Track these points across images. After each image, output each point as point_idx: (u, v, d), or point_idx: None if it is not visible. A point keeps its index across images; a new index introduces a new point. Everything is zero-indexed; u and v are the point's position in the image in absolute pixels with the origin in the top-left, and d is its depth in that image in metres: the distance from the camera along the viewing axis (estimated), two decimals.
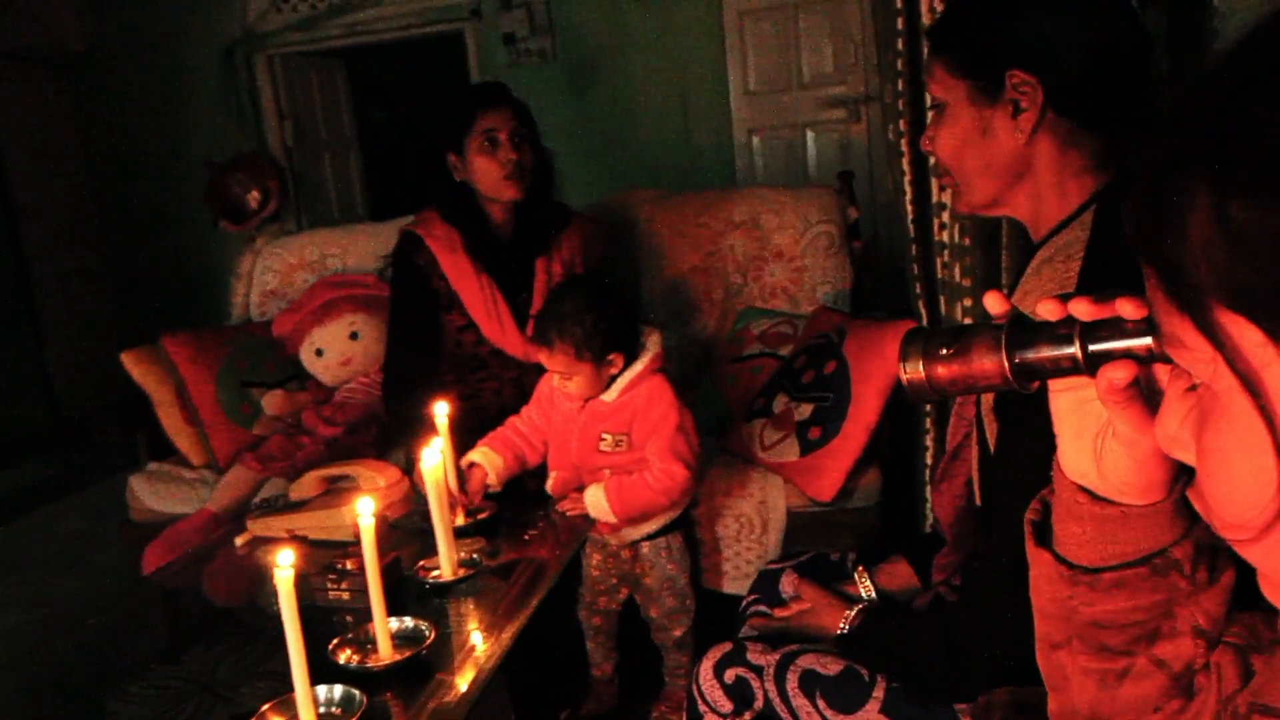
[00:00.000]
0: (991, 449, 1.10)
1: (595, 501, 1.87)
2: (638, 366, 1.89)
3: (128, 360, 2.78)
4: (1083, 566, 0.66)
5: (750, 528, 2.23)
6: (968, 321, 1.91)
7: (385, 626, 1.36)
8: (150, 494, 2.68)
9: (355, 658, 1.36)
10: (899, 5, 1.93)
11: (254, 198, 5.55)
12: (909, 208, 2.02)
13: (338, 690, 1.25)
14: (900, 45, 1.95)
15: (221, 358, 2.77)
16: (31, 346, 5.28)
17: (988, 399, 1.12)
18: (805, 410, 2.25)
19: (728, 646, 1.26)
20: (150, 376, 2.76)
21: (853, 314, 2.56)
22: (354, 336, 2.77)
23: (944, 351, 0.60)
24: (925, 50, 1.76)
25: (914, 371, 0.61)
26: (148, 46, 5.54)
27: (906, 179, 1.99)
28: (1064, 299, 0.57)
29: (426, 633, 1.39)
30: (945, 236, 1.96)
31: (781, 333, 2.58)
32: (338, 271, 3.01)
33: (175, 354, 2.73)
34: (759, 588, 1.55)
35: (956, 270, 1.95)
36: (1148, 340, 0.53)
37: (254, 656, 1.46)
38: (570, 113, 5.17)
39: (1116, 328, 0.54)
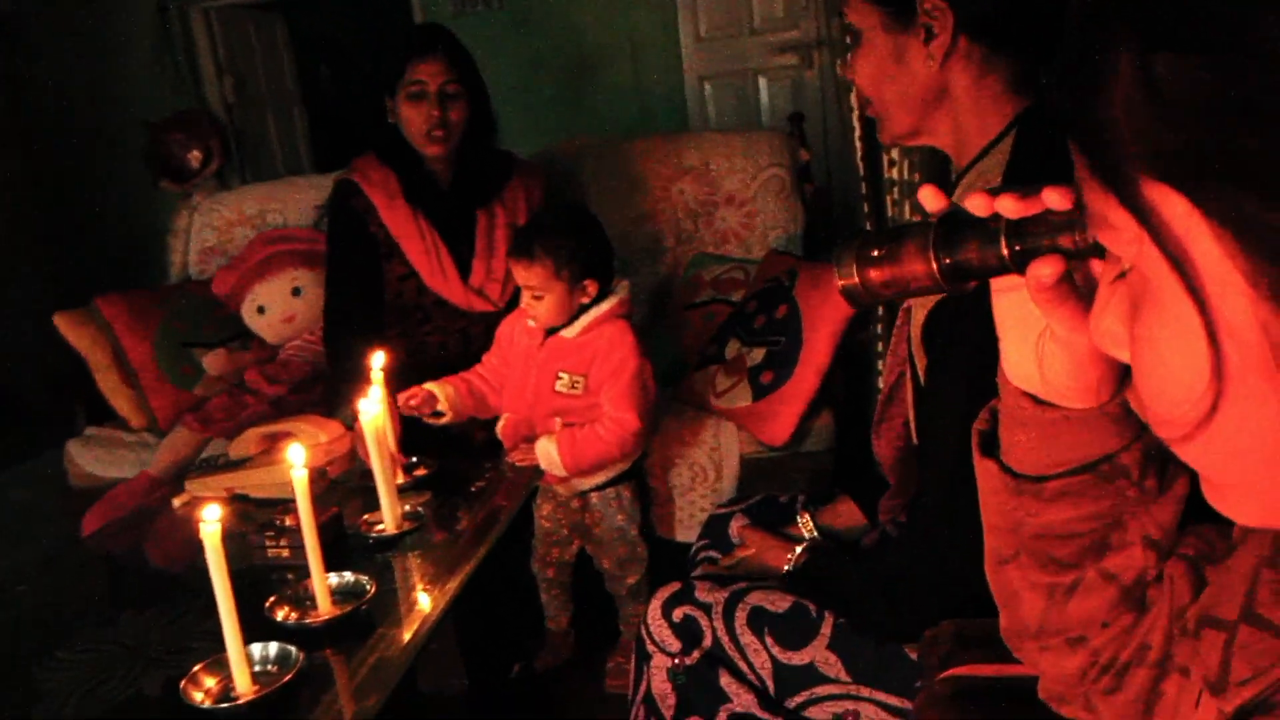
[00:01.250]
0: (922, 382, 1.08)
1: (545, 453, 1.83)
2: (604, 306, 1.87)
3: (61, 322, 2.69)
4: (1028, 476, 0.63)
5: (704, 475, 2.21)
6: None
7: (323, 581, 1.31)
8: (89, 459, 2.60)
9: (293, 615, 1.32)
10: None
11: (195, 157, 5.36)
12: (858, 144, 1.98)
13: (273, 648, 1.21)
14: None
15: (159, 318, 2.68)
16: None
17: (916, 333, 1.09)
18: (757, 355, 2.22)
19: (676, 586, 1.24)
20: (85, 339, 2.67)
21: (805, 257, 2.53)
22: (296, 293, 2.69)
23: (875, 254, 0.57)
24: None
25: (848, 276, 0.58)
26: (78, 2, 5.32)
27: (855, 115, 1.96)
28: (992, 193, 0.53)
29: (367, 587, 1.36)
30: (895, 174, 1.93)
31: (734, 278, 2.55)
32: (278, 226, 2.92)
33: (110, 315, 2.64)
34: (708, 533, 1.53)
35: (906, 208, 1.92)
36: (1074, 233, 0.50)
37: (190, 619, 1.41)
38: (518, 62, 5.06)
39: (1043, 222, 0.51)
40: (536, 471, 1.85)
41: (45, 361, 3.17)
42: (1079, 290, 0.54)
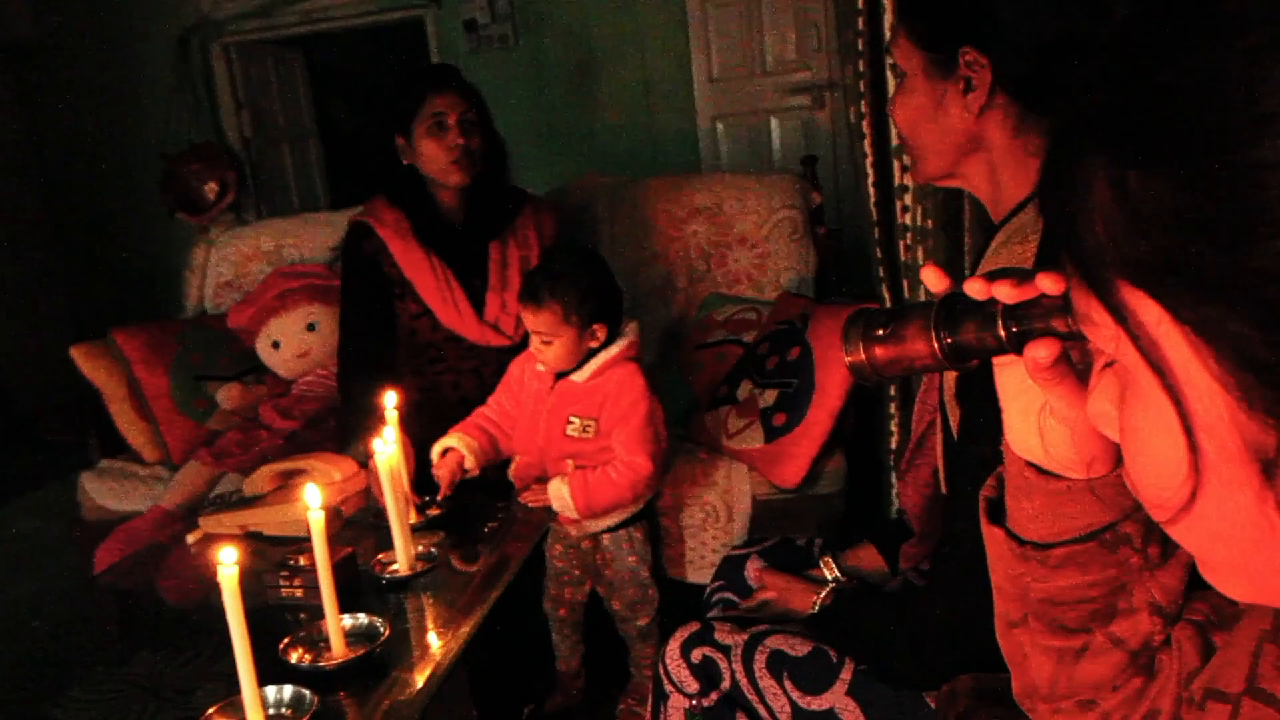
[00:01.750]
0: (955, 436, 1.09)
1: (558, 495, 1.84)
2: (613, 349, 1.87)
3: (77, 355, 2.71)
4: (1033, 542, 0.65)
5: (715, 516, 2.21)
6: None
7: (338, 623, 1.32)
8: (102, 492, 2.61)
9: (307, 657, 1.32)
10: None
11: (211, 189, 5.43)
12: (871, 190, 2.00)
13: (287, 691, 1.21)
14: (860, 25, 1.93)
15: (174, 351, 2.70)
16: None
17: (950, 385, 1.10)
18: (769, 397, 2.23)
19: (695, 626, 1.24)
20: (101, 371, 2.69)
21: (817, 299, 2.54)
22: (311, 328, 2.71)
23: (880, 333, 0.60)
24: (888, 27, 1.74)
25: (854, 354, 0.61)
26: (100, 35, 5.40)
27: (868, 161, 1.97)
28: (990, 278, 0.56)
29: (381, 629, 1.36)
30: (908, 219, 1.94)
31: (746, 319, 2.56)
32: (294, 262, 2.95)
33: (126, 348, 2.66)
34: (723, 573, 1.53)
35: (920, 253, 1.93)
36: (1068, 317, 0.52)
37: (204, 658, 1.42)
38: (532, 100, 5.12)
39: (1038, 305, 0.54)
40: (549, 512, 1.86)
41: (62, 392, 3.20)
42: (1076, 369, 0.56)
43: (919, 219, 1.91)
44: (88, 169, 5.52)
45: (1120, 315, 0.42)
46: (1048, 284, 0.52)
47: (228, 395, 2.69)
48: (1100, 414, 0.51)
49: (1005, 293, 0.54)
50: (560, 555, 2.03)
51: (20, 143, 5.51)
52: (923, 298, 1.93)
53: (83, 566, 2.38)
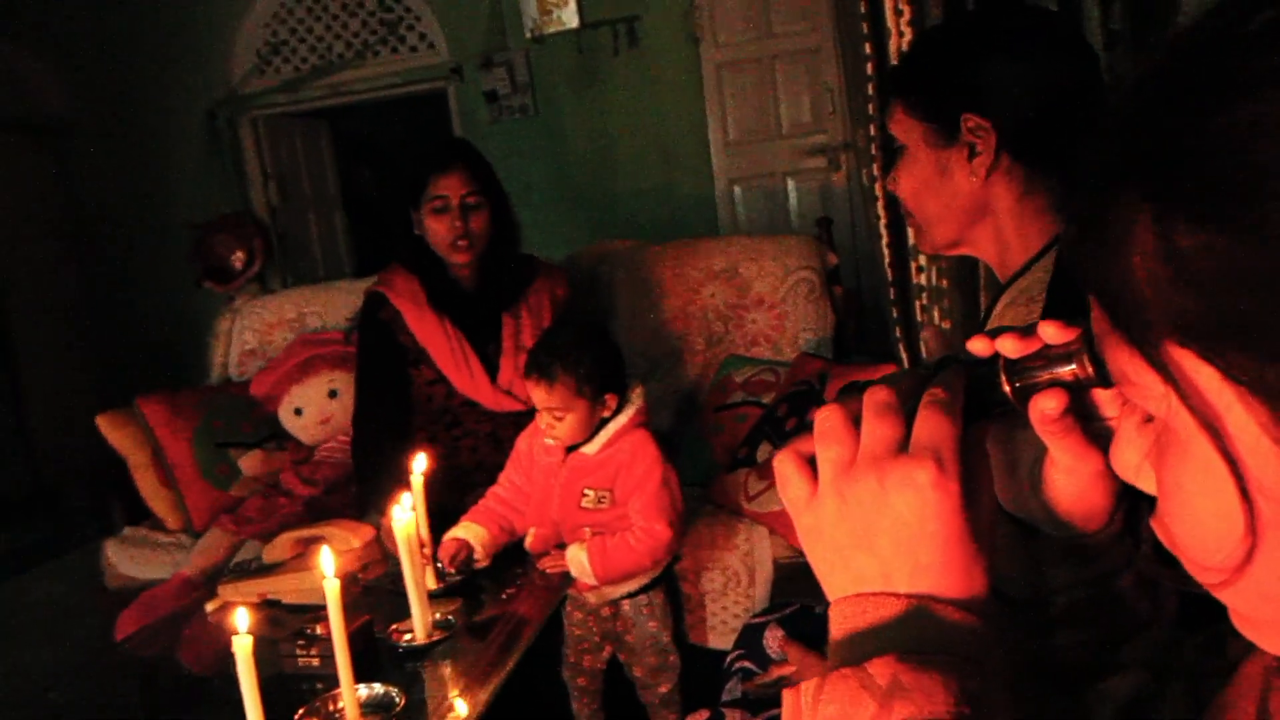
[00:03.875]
0: None
1: (576, 561, 1.82)
2: (622, 419, 1.87)
3: (103, 423, 2.74)
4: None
5: (737, 580, 2.19)
6: None
7: (353, 694, 1.31)
8: (125, 559, 2.62)
9: None
10: (868, 50, 1.94)
11: (238, 258, 5.54)
12: (885, 251, 2.01)
13: None
14: (870, 90, 1.96)
15: (198, 418, 2.73)
16: (12, 412, 5.23)
17: None
18: None
19: (705, 715, 1.22)
20: (126, 439, 2.72)
21: (835, 359, 2.54)
22: (333, 394, 2.73)
23: None
24: None
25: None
26: (131, 111, 5.57)
27: (882, 222, 1.99)
28: (992, 335, 0.54)
29: (396, 699, 1.35)
30: (923, 279, 1.95)
31: (765, 380, 2.56)
32: (317, 329, 2.99)
33: (150, 415, 2.69)
34: (743, 643, 1.50)
35: (935, 313, 1.94)
36: (1073, 366, 0.51)
37: None
38: (552, 167, 5.21)
39: (1042, 357, 0.53)
40: (566, 578, 1.84)
41: (87, 460, 3.23)
42: (1081, 421, 0.55)
43: (934, 279, 1.92)
44: (119, 240, 5.65)
45: (1170, 375, 0.40)
46: (1051, 332, 0.51)
47: (250, 462, 2.71)
48: (1128, 465, 0.49)
49: (1010, 347, 0.53)
50: (579, 622, 2.01)
51: (54, 217, 5.65)
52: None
53: (104, 634, 2.38)
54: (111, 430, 2.73)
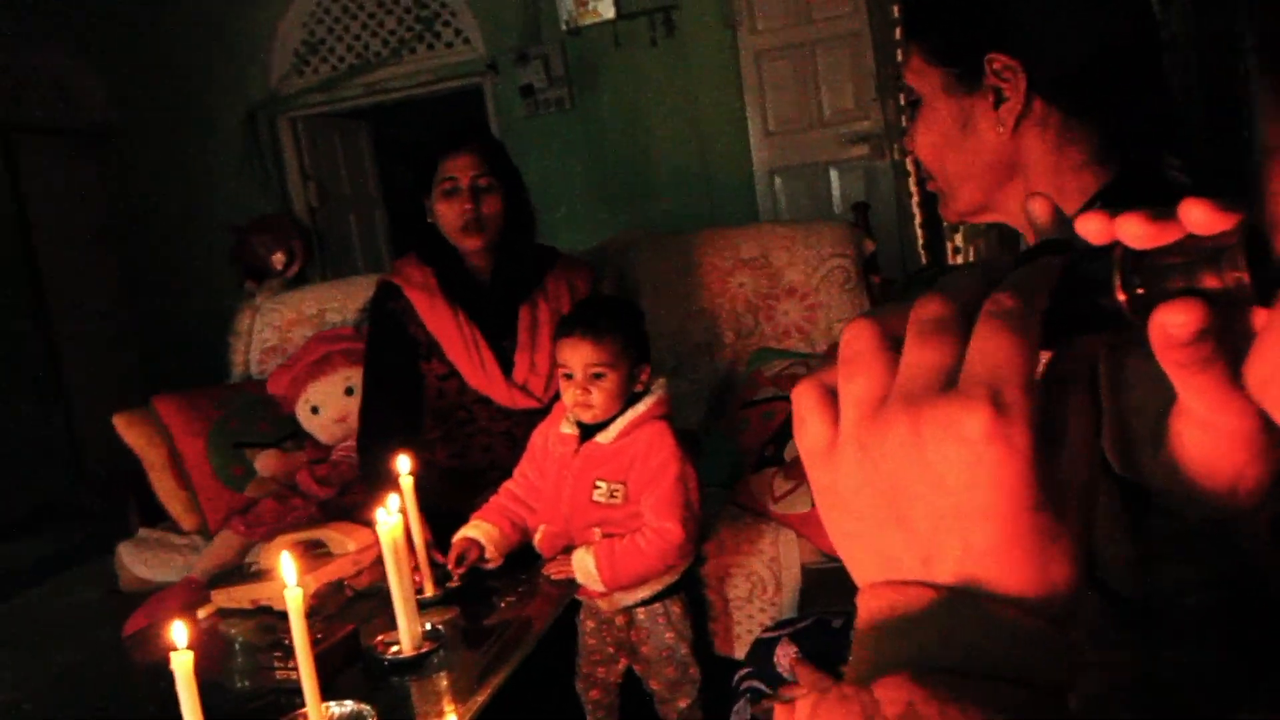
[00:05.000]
0: None
1: (583, 567, 1.71)
2: (640, 407, 1.76)
3: (119, 423, 2.70)
4: None
5: (762, 587, 2.05)
6: None
7: (320, 714, 1.20)
8: (139, 562, 2.57)
9: None
10: (896, 15, 1.79)
11: (279, 258, 5.52)
12: (919, 231, 1.86)
13: None
14: (901, 58, 1.81)
15: (214, 418, 2.67)
16: (60, 414, 5.28)
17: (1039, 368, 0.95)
18: None
19: None
20: (141, 439, 2.67)
21: None
22: (349, 392, 2.65)
23: None
24: None
25: None
26: (172, 114, 5.60)
27: (914, 200, 1.84)
28: (1113, 213, 0.38)
29: (368, 718, 1.24)
30: (960, 260, 1.80)
31: (796, 374, 2.41)
32: (335, 325, 2.91)
33: (166, 415, 2.64)
34: (753, 660, 1.37)
35: None
36: (1221, 269, 0.35)
37: None
38: (590, 159, 5.13)
39: (1181, 252, 0.36)
40: (571, 585, 1.73)
41: (122, 462, 3.21)
42: (1225, 352, 0.37)
43: (971, 259, 1.77)
44: (161, 242, 5.69)
45: None
46: (1198, 216, 0.35)
47: (266, 462, 2.64)
48: (1268, 381, 0.34)
49: (1136, 232, 0.36)
50: (592, 631, 1.89)
51: (97, 220, 5.71)
52: None
53: (113, 638, 2.33)
54: (128, 430, 2.68)
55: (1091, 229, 0.37)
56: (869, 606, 0.37)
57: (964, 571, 0.35)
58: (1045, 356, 0.43)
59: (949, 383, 0.36)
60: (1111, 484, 0.45)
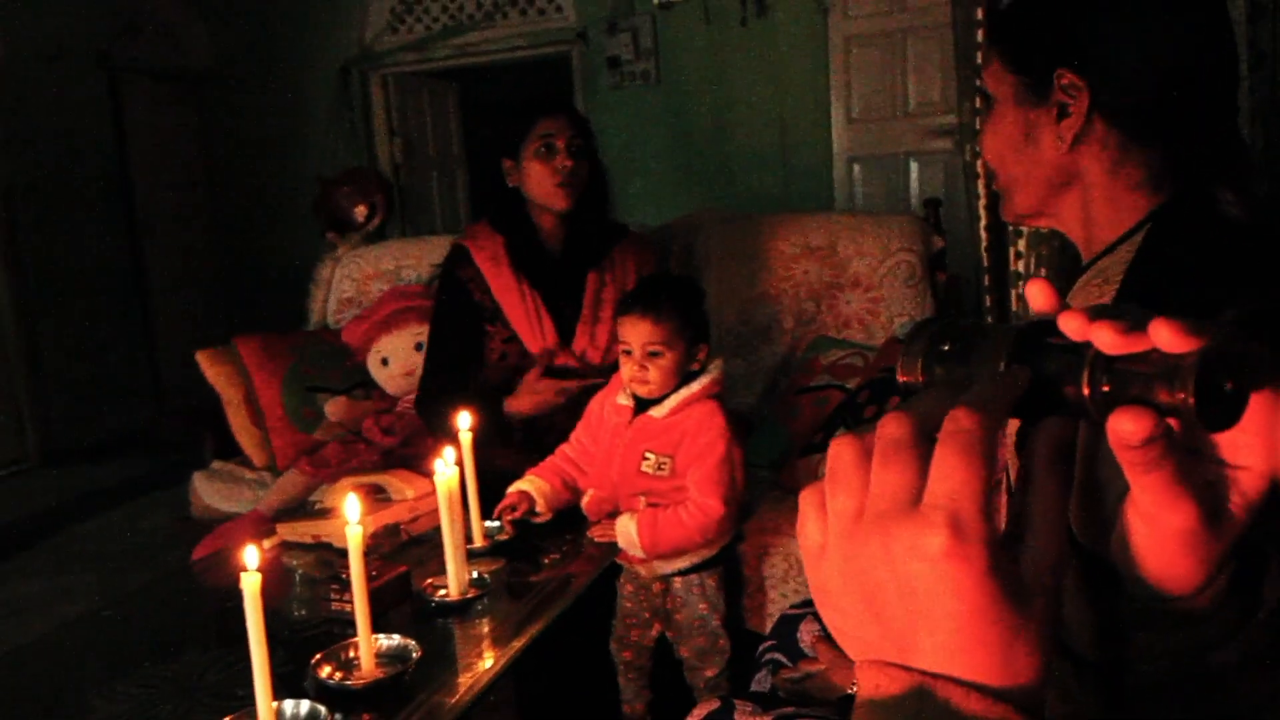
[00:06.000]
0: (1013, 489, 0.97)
1: (624, 532, 1.78)
2: (695, 386, 1.82)
3: (202, 359, 2.84)
4: None
5: (799, 568, 2.10)
6: None
7: (369, 643, 1.29)
8: (211, 492, 2.71)
9: (337, 674, 1.30)
10: (979, 16, 1.80)
11: (360, 211, 5.63)
12: (983, 234, 1.87)
13: (304, 706, 1.19)
14: (979, 60, 1.82)
15: (290, 362, 2.80)
16: (146, 347, 5.53)
17: (1010, 433, 0.98)
18: None
19: (715, 704, 1.15)
20: (221, 376, 2.80)
21: None
22: (418, 347, 2.75)
23: (945, 348, 0.48)
24: None
25: (910, 370, 0.48)
26: (269, 65, 5.77)
27: (981, 203, 1.85)
28: (1091, 316, 0.42)
29: (413, 652, 1.33)
30: (1020, 266, 1.81)
31: (851, 364, 2.44)
32: (412, 281, 3.02)
33: (246, 355, 2.77)
34: (777, 633, 1.43)
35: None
36: (1172, 389, 0.38)
37: (244, 663, 1.42)
38: (670, 135, 5.15)
39: (1147, 362, 0.40)
40: (613, 548, 1.80)
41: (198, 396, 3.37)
42: (1175, 455, 0.41)
43: (1032, 266, 1.78)
44: (251, 188, 5.88)
45: None
46: (1165, 335, 0.38)
47: (335, 407, 2.75)
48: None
49: (1108, 340, 0.40)
50: (630, 595, 1.97)
51: (193, 164, 5.92)
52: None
53: (183, 561, 2.47)
54: (210, 366, 2.82)
55: (1071, 327, 0.42)
56: (862, 683, 0.42)
57: (935, 664, 0.40)
58: (1014, 424, 0.48)
59: (914, 499, 0.40)
60: (1078, 554, 0.49)
